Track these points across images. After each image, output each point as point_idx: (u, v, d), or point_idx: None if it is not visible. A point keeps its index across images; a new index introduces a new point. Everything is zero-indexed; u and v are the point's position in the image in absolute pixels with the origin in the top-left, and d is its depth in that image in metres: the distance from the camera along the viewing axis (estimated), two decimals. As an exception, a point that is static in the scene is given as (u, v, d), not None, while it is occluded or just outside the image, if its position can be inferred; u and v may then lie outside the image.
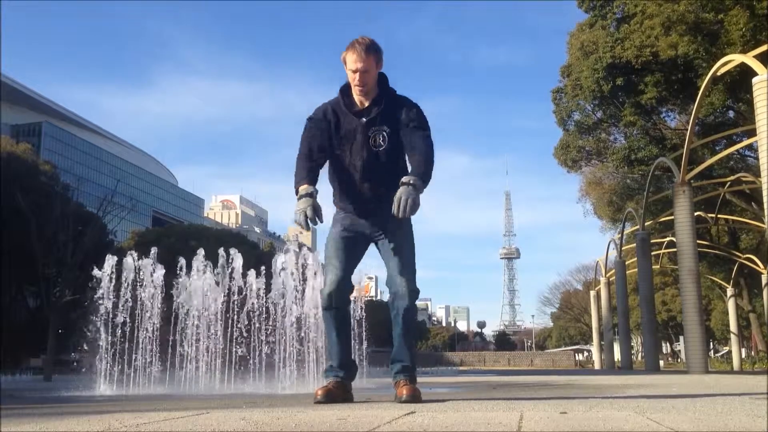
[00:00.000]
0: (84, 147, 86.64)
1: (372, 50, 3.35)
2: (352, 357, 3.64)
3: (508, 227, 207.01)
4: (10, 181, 30.52)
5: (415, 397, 3.27)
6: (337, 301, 3.42)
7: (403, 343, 3.45)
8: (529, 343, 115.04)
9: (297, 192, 3.30)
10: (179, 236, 54.10)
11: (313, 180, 3.34)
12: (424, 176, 3.24)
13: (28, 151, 43.15)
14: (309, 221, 3.20)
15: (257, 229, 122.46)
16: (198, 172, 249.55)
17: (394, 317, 3.43)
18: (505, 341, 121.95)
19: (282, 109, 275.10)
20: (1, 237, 30.49)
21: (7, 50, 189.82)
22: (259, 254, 57.86)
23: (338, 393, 3.38)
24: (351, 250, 3.50)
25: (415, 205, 3.13)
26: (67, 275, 19.96)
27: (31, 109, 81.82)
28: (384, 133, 3.37)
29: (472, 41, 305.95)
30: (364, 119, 3.39)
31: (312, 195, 3.26)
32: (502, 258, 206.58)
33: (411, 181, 3.16)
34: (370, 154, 3.39)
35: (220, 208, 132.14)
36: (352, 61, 3.34)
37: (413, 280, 3.47)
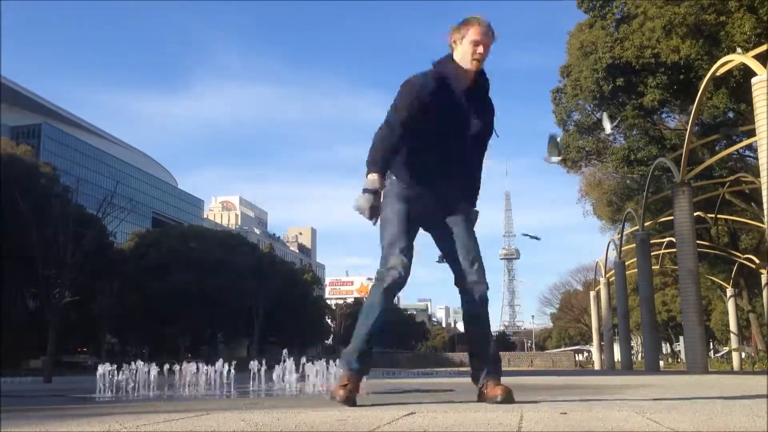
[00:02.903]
0: (83, 148, 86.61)
1: (492, 28, 3.34)
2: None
3: (508, 228, 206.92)
4: (10, 182, 30.55)
5: (510, 398, 3.08)
6: (401, 277, 3.13)
7: (487, 339, 3.29)
8: (529, 344, 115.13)
9: (367, 168, 3.11)
10: (179, 237, 54.18)
11: (386, 166, 3.15)
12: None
13: (27, 152, 43.25)
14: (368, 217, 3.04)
15: (257, 230, 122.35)
16: (212, 175, 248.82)
17: (472, 310, 3.25)
18: (505, 342, 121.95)
19: (306, 111, 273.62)
20: (0, 238, 30.52)
21: (45, 54, 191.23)
22: (259, 255, 57.85)
23: (353, 388, 3.14)
24: (411, 226, 3.25)
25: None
26: (67, 276, 19.93)
27: (29, 111, 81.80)
28: (482, 114, 3.30)
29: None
30: (471, 90, 3.28)
31: (377, 193, 3.08)
32: (501, 259, 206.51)
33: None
34: (464, 132, 3.27)
35: (220, 209, 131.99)
36: (478, 33, 3.26)
37: (484, 272, 3.31)
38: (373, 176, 3.08)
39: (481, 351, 3.27)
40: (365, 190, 3.07)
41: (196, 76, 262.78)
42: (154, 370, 6.96)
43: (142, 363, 7.06)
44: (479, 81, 3.33)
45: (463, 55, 3.27)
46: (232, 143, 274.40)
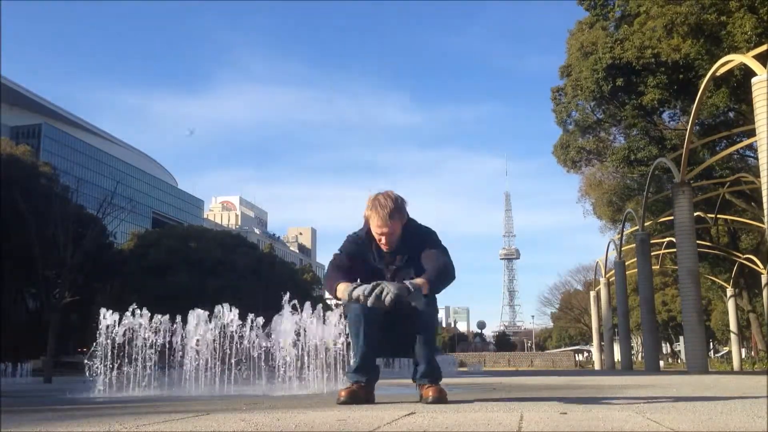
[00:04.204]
0: (83, 148, 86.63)
1: (396, 213, 3.38)
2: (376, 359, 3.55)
3: (508, 228, 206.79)
4: (10, 182, 30.54)
5: (441, 399, 3.26)
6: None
7: (424, 345, 3.41)
8: (529, 344, 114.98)
9: (337, 295, 3.23)
10: (179, 237, 54.17)
11: (350, 280, 3.26)
12: (434, 280, 3.21)
13: (27, 152, 43.20)
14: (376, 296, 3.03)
15: (257, 230, 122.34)
16: (212, 175, 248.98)
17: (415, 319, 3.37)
18: (505, 342, 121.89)
19: (307, 112, 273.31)
20: (0, 238, 30.50)
21: (54, 55, 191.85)
22: (259, 255, 57.86)
23: (361, 394, 3.35)
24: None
25: (390, 297, 2.98)
26: (67, 276, 19.94)
27: (29, 111, 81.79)
28: (411, 276, 3.34)
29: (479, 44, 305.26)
30: (392, 267, 3.45)
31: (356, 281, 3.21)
32: (501, 259, 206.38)
33: (418, 283, 3.13)
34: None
35: (220, 209, 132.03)
36: (377, 225, 3.39)
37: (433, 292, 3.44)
38: (341, 284, 3.22)
39: (419, 356, 3.42)
40: (347, 292, 3.14)
41: (210, 77, 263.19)
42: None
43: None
44: (400, 244, 3.45)
45: (375, 237, 3.46)
46: (234, 143, 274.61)
